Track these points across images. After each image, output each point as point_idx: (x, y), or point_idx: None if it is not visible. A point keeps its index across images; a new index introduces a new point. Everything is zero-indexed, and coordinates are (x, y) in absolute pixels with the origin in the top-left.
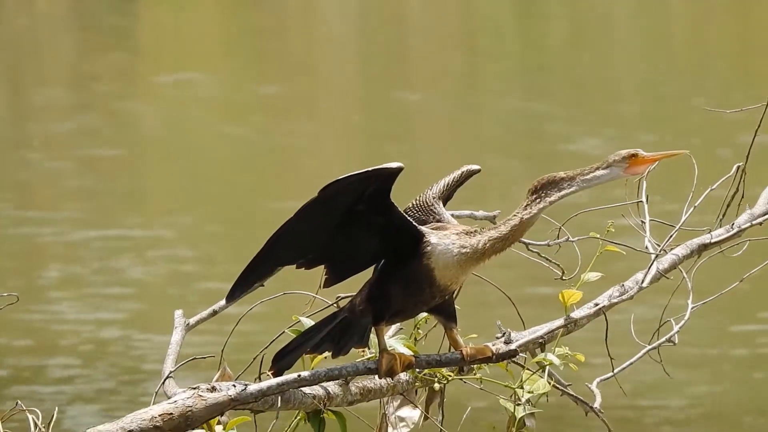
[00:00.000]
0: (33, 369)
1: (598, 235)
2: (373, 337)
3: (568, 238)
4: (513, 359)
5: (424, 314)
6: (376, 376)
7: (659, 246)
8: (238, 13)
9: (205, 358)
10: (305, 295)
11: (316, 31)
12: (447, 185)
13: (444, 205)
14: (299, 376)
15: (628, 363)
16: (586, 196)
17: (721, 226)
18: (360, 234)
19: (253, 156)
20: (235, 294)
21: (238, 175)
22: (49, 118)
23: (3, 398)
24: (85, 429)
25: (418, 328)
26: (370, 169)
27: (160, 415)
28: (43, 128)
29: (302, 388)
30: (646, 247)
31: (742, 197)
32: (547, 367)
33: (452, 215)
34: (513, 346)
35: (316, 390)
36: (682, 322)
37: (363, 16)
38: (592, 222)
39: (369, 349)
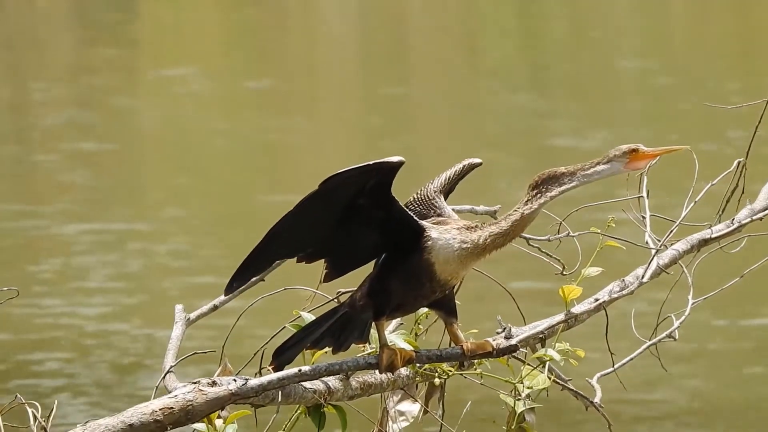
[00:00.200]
0: (25, 363)
1: (599, 231)
2: (373, 332)
3: (569, 233)
4: (513, 354)
5: (425, 309)
6: (377, 371)
7: (660, 241)
8: (237, 11)
9: (206, 352)
10: (306, 291)
11: (316, 28)
12: (448, 179)
13: (446, 199)
14: (300, 370)
15: (628, 358)
16: (587, 190)
17: (721, 222)
18: (360, 228)
19: (249, 151)
20: (233, 286)
21: (234, 170)
22: (44, 112)
23: None
24: (83, 422)
25: (419, 324)
26: (371, 162)
27: (160, 409)
28: (37, 122)
29: (303, 383)
30: (647, 242)
31: (743, 192)
32: (548, 363)
33: (453, 210)
34: (513, 342)
35: (316, 384)
36: (683, 317)
37: (363, 14)
38: (592, 217)
39: (369, 344)
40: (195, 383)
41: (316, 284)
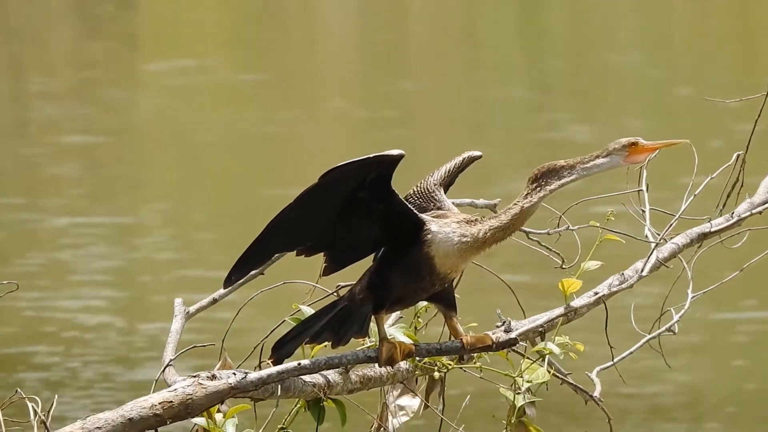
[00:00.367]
0: (12, 356)
1: (598, 224)
2: (373, 326)
3: (569, 226)
4: (513, 348)
5: (424, 303)
6: (376, 365)
7: (659, 235)
8: (236, 5)
9: (205, 346)
10: (305, 284)
11: (315, 22)
12: (448, 171)
13: (446, 192)
14: (299, 364)
15: (627, 352)
16: (587, 185)
17: (720, 215)
18: (360, 221)
19: (246, 145)
20: (232, 279)
21: (231, 163)
22: (39, 105)
23: None
24: (79, 417)
25: (418, 317)
26: (370, 155)
27: (160, 403)
28: (31, 115)
29: (302, 377)
30: (646, 236)
31: (742, 186)
32: (547, 356)
33: (453, 203)
34: (513, 335)
35: (316, 378)
36: (682, 311)
37: (363, 7)
38: (592, 211)
39: (369, 337)
40: (194, 377)
41: (316, 278)
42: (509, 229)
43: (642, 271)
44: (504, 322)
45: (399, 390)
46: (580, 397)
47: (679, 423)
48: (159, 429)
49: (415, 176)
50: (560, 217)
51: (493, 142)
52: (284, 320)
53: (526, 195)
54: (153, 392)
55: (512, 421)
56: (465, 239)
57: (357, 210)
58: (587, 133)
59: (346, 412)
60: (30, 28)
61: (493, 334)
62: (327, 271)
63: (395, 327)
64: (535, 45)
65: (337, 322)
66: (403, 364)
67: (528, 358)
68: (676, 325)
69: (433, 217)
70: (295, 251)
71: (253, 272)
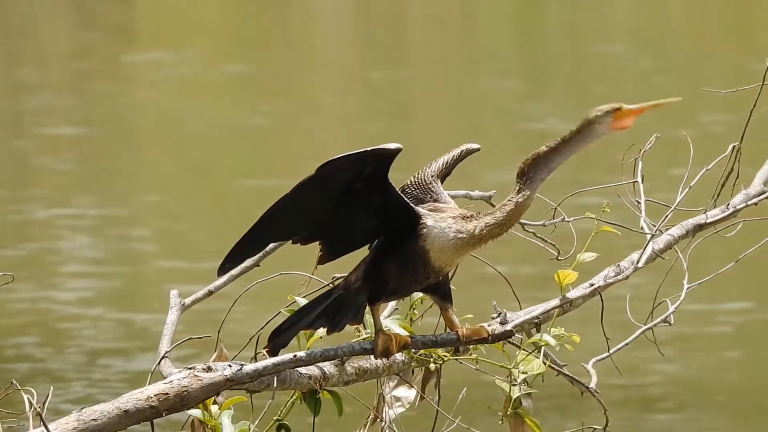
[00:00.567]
0: (6, 348)
1: (594, 216)
2: (368, 318)
3: (564, 218)
4: (509, 340)
5: (420, 294)
6: (372, 357)
7: (655, 226)
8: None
9: (201, 338)
10: (301, 276)
11: (312, 15)
12: (446, 163)
13: (443, 181)
14: (295, 356)
15: (623, 343)
16: (584, 179)
17: (716, 207)
18: (357, 213)
19: (241, 136)
20: (226, 267)
21: (223, 154)
22: (25, 97)
23: None
24: (68, 409)
25: (414, 309)
26: (368, 148)
27: (155, 395)
28: (18, 108)
29: (298, 369)
30: (642, 227)
31: (737, 177)
32: (543, 348)
33: (448, 195)
34: (509, 327)
35: (312, 370)
36: (678, 302)
37: (361, 2)
38: (587, 202)
39: (365, 329)
40: (190, 369)
41: (311, 269)
42: (505, 225)
43: (638, 262)
44: (500, 314)
45: (395, 381)
46: (575, 389)
47: (667, 413)
48: (154, 421)
49: (410, 169)
50: (555, 208)
51: (489, 134)
52: (279, 312)
53: (519, 190)
54: (149, 384)
55: (508, 413)
56: (461, 235)
57: (354, 201)
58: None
59: (342, 403)
60: (24, 20)
61: (489, 326)
62: (322, 260)
63: (391, 319)
64: (531, 37)
65: (333, 310)
66: (399, 356)
67: (524, 349)
68: (671, 316)
69: (430, 210)
70: (290, 241)
71: (248, 263)
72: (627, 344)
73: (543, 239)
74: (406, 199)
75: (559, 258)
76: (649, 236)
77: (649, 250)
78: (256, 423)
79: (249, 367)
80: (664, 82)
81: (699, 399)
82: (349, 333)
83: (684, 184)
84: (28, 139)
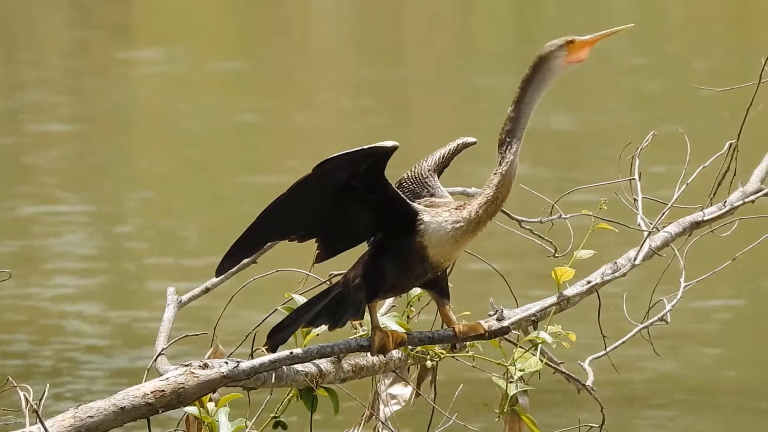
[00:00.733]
0: None
1: (590, 213)
2: (365, 315)
3: (561, 215)
4: (505, 337)
5: (417, 291)
6: (369, 354)
7: (651, 223)
8: None
9: (197, 335)
10: (298, 272)
11: (309, 11)
12: (442, 157)
13: (440, 175)
14: (291, 353)
15: (620, 341)
16: (582, 177)
17: (713, 204)
18: (354, 210)
19: (235, 133)
20: (224, 266)
21: (218, 151)
22: (11, 94)
23: None
24: (63, 406)
25: (411, 306)
26: (365, 147)
27: (152, 392)
28: (10, 104)
29: (295, 366)
30: (639, 225)
31: (734, 175)
32: (540, 345)
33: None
34: (505, 324)
35: (308, 367)
36: (675, 300)
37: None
38: (584, 199)
39: (362, 326)
40: (186, 366)
41: (308, 266)
42: (498, 199)
43: (635, 259)
44: (496, 311)
45: (391, 379)
46: (566, 385)
47: (656, 410)
48: (151, 418)
49: (407, 167)
50: (552, 206)
51: (487, 132)
52: (276, 309)
53: (501, 161)
54: (145, 381)
55: (504, 410)
56: (458, 224)
57: (350, 199)
58: (580, 123)
59: (338, 400)
60: (20, 16)
61: (486, 322)
62: (320, 258)
63: (387, 316)
64: (528, 35)
65: (333, 307)
66: (396, 353)
67: (520, 347)
68: (668, 314)
69: (426, 206)
70: (287, 238)
71: (245, 261)
72: (624, 342)
73: (540, 236)
74: (402, 195)
75: (556, 255)
76: (646, 233)
77: (646, 248)
78: (252, 420)
79: (245, 364)
80: (659, 79)
81: (687, 396)
82: (346, 330)
83: (681, 181)
84: (20, 135)
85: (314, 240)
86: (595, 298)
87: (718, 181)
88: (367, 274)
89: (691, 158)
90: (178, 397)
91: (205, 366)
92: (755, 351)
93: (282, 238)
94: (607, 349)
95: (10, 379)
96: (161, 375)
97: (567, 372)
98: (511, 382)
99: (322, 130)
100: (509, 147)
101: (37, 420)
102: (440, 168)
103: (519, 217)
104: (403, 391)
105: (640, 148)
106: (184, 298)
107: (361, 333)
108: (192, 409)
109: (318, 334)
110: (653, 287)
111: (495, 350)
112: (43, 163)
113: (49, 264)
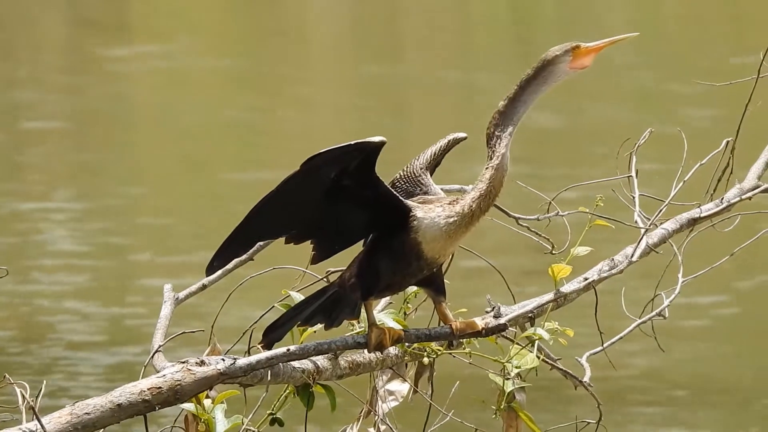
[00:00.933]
0: None
1: (587, 210)
2: (362, 312)
3: (558, 212)
4: (502, 334)
5: (414, 288)
6: (366, 350)
7: (649, 220)
8: None
9: (194, 332)
10: (295, 270)
11: (307, 10)
12: (434, 154)
13: (432, 173)
14: (288, 350)
15: (617, 337)
16: (581, 175)
17: (711, 201)
18: (346, 209)
19: (230, 130)
20: (214, 265)
21: (211, 148)
22: (6, 90)
23: None
24: (58, 403)
25: (408, 303)
26: (352, 142)
27: (149, 389)
28: None
29: (291, 362)
30: (636, 222)
31: (731, 172)
32: (537, 342)
33: (441, 189)
34: (502, 321)
35: (305, 364)
36: (673, 296)
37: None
38: (581, 196)
39: (359, 323)
40: (183, 363)
41: (305, 264)
42: (491, 193)
43: (632, 256)
44: (493, 308)
45: (388, 375)
46: (562, 381)
47: (642, 406)
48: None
49: (401, 163)
50: (550, 203)
51: (484, 130)
52: (273, 306)
53: (492, 155)
54: (142, 378)
55: (502, 407)
56: (452, 219)
57: (343, 198)
58: (578, 121)
59: (335, 397)
60: (14, 13)
61: (483, 319)
62: (315, 259)
63: (384, 313)
64: (526, 34)
65: (329, 306)
66: (393, 350)
67: (517, 343)
68: (666, 309)
69: (419, 203)
70: (283, 239)
71: (241, 258)
72: (621, 338)
73: (537, 233)
74: (395, 193)
75: (553, 252)
76: (643, 230)
77: (643, 244)
78: (249, 417)
79: (242, 361)
80: (655, 76)
81: (679, 392)
82: (343, 327)
83: (678, 178)
84: (12, 133)
85: (309, 242)
86: (590, 295)
87: (717, 177)
88: (362, 272)
89: (688, 155)
90: (174, 394)
91: (202, 363)
92: (748, 347)
93: (274, 236)
94: (605, 345)
95: (7, 375)
96: (158, 372)
97: (563, 368)
98: (508, 378)
99: (320, 128)
100: (499, 140)
101: (34, 417)
102: (432, 165)
103: (516, 215)
104: (401, 387)
105: (637, 145)
106: (181, 295)
107: (358, 330)
108: (189, 406)
109: (315, 331)
110: (648, 284)
111: (492, 347)
112: (37, 160)
113: (39, 260)
